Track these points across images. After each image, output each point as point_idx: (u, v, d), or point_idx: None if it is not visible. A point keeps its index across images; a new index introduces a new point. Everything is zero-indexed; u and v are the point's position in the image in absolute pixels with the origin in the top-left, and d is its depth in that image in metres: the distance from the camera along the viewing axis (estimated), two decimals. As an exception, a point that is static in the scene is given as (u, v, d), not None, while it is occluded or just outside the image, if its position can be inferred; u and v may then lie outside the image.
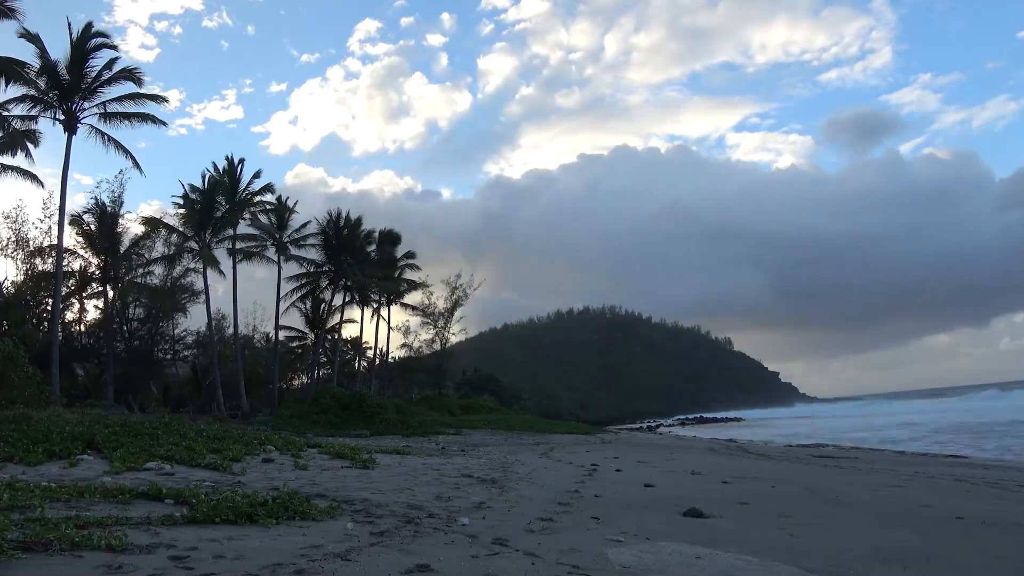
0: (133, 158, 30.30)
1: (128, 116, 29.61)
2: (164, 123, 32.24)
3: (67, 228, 31.76)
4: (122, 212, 36.81)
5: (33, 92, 27.48)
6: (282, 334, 44.52)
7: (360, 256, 44.55)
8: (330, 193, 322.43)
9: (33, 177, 27.91)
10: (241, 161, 39.51)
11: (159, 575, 4.38)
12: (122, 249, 36.51)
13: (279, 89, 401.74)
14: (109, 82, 28.91)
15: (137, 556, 4.72)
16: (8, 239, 35.34)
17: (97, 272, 36.26)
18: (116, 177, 38.88)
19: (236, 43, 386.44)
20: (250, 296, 71.20)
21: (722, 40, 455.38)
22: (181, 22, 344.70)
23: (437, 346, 62.35)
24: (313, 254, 43.19)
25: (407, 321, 62.47)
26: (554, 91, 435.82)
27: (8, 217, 35.37)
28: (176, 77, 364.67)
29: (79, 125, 28.59)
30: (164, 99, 31.11)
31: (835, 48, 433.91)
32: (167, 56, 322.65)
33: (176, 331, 43.68)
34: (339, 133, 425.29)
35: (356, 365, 56.32)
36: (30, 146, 27.02)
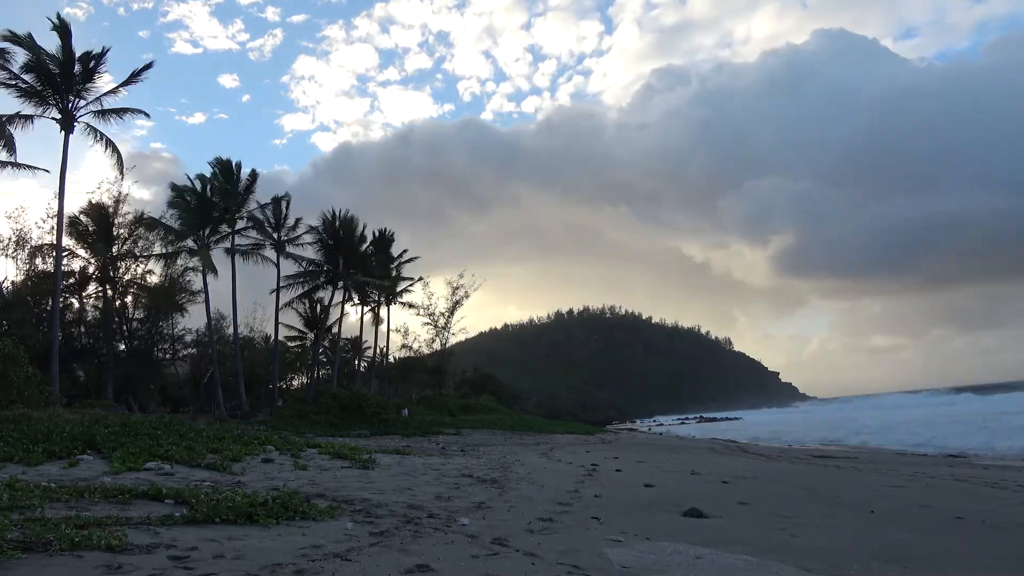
0: (119, 159, 30.20)
1: (120, 112, 29.50)
2: (146, 114, 32.08)
3: (66, 228, 31.67)
4: (121, 212, 36.86)
5: (28, 88, 27.42)
6: (281, 334, 44.49)
7: (357, 255, 44.48)
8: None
9: (34, 168, 27.78)
10: (239, 163, 39.45)
11: (159, 575, 4.38)
12: (121, 249, 36.48)
13: (235, 84, 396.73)
14: (94, 72, 28.70)
15: (137, 556, 4.72)
16: (9, 239, 35.40)
17: (96, 272, 36.25)
18: (115, 177, 38.88)
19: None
20: (249, 296, 70.97)
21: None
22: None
23: (437, 346, 62.41)
24: (311, 253, 43.21)
25: (407, 324, 62.55)
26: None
27: (9, 217, 35.45)
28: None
29: (75, 123, 28.53)
30: (150, 65, 30.31)
31: None
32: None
33: (175, 331, 43.70)
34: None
35: (356, 365, 56.30)
36: (16, 134, 26.89)
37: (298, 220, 41.67)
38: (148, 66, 30.31)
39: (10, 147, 26.67)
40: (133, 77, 29.74)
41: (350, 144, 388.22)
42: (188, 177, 37.46)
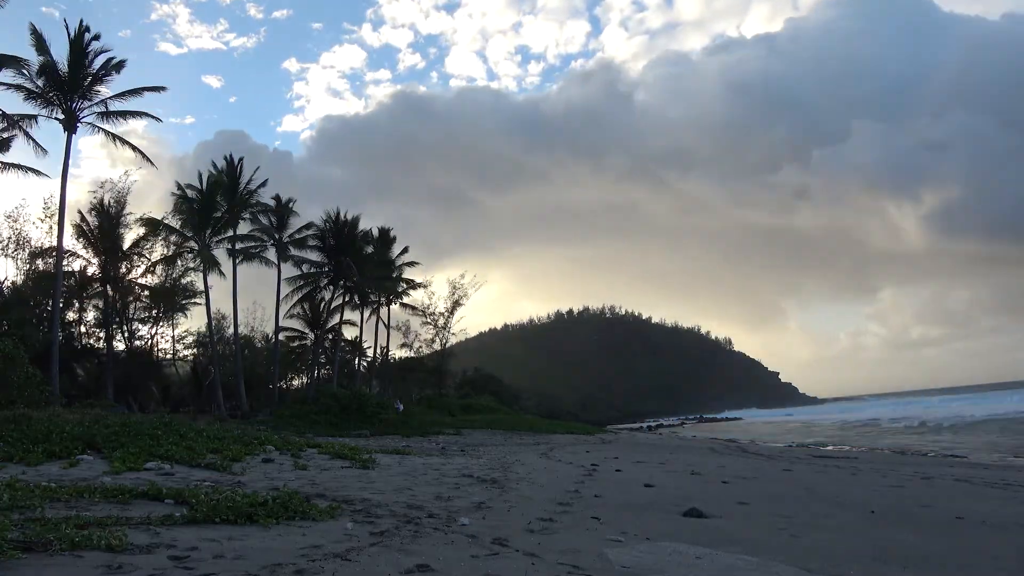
0: (141, 152, 30.61)
1: (125, 114, 29.56)
2: (158, 119, 32.31)
3: (67, 228, 31.74)
4: (123, 212, 36.84)
5: (33, 89, 27.46)
6: (282, 334, 44.49)
7: (358, 256, 44.46)
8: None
9: (36, 172, 27.84)
10: (240, 160, 39.44)
11: (159, 575, 4.38)
12: (122, 249, 36.47)
13: (218, 84, 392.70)
14: (105, 78, 28.86)
15: (137, 556, 4.72)
16: (9, 239, 35.39)
17: (97, 272, 36.24)
18: (120, 177, 38.99)
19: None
20: (250, 296, 71.03)
21: None
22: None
23: (437, 346, 62.36)
24: (312, 254, 43.21)
25: (407, 321, 62.38)
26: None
27: (9, 216, 35.43)
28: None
29: (79, 124, 28.57)
30: (163, 88, 31.09)
31: None
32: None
33: (176, 331, 43.71)
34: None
35: (356, 365, 56.27)
36: (29, 135, 27.02)
37: (304, 227, 41.83)
38: (158, 88, 30.91)
39: (4, 147, 26.80)
40: (139, 91, 29.96)
41: (345, 118, 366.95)
42: (200, 174, 37.51)
